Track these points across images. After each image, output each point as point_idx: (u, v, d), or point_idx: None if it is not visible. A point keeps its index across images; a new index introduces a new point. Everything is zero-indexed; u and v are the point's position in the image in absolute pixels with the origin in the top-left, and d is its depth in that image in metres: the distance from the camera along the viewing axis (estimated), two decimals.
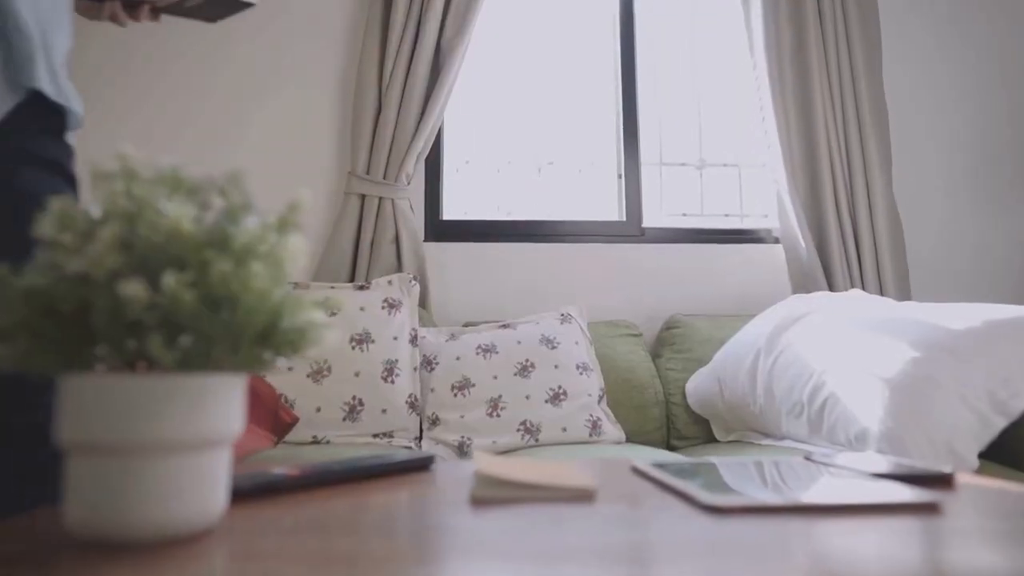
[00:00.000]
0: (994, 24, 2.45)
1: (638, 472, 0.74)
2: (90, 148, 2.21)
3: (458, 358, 1.82)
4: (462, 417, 1.74)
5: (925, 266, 2.28)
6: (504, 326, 1.92)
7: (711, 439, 1.78)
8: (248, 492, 0.55)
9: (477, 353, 1.82)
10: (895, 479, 0.61)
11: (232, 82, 2.23)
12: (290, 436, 1.66)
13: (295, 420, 1.66)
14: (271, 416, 1.63)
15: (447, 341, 1.88)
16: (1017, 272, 2.36)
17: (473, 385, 1.77)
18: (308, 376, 1.71)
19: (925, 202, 2.35)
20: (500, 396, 1.74)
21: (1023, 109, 2.43)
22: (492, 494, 0.58)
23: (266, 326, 0.45)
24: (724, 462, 0.72)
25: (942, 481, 0.61)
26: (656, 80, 2.46)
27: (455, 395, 1.76)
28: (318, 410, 1.69)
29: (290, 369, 1.65)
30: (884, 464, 0.67)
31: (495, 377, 1.77)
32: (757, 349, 1.64)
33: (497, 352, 1.82)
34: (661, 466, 0.74)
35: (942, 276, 2.30)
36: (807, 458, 0.78)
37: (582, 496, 0.57)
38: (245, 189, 0.48)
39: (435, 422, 1.76)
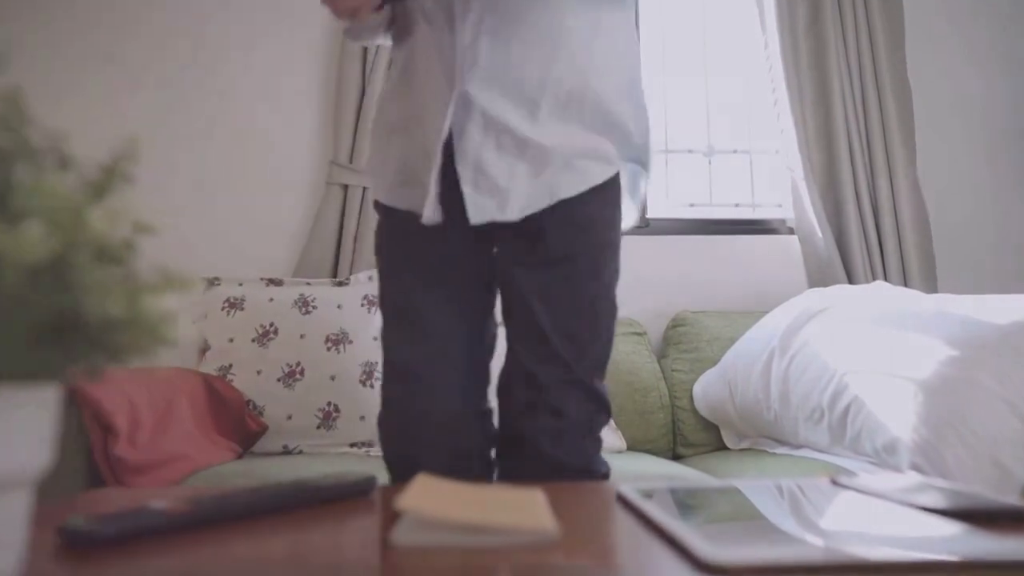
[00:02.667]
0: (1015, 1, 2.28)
1: (624, 503, 0.59)
2: (76, 144, 2.07)
3: None
4: None
5: (953, 255, 2.10)
6: (497, 325, 1.77)
7: (721, 447, 1.63)
8: (107, 539, 0.43)
9: None
10: (956, 516, 0.46)
11: (204, 62, 2.10)
12: (258, 446, 1.53)
13: (263, 429, 1.53)
14: (237, 424, 1.49)
15: None
16: None
17: None
18: (279, 380, 1.57)
19: (952, 185, 2.17)
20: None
21: None
22: (417, 539, 0.44)
23: (57, 316, 0.31)
24: (736, 488, 0.56)
25: (1018, 519, 0.46)
26: (661, 60, 2.30)
27: None
28: (289, 417, 1.55)
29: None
30: (935, 494, 0.52)
31: None
32: (771, 348, 1.48)
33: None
34: (653, 494, 0.59)
35: (971, 266, 2.13)
36: (835, 482, 0.63)
37: (538, 542, 0.43)
38: (26, 118, 0.34)
39: None
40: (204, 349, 1.64)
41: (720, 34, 2.33)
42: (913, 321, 1.24)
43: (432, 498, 0.56)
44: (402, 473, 0.90)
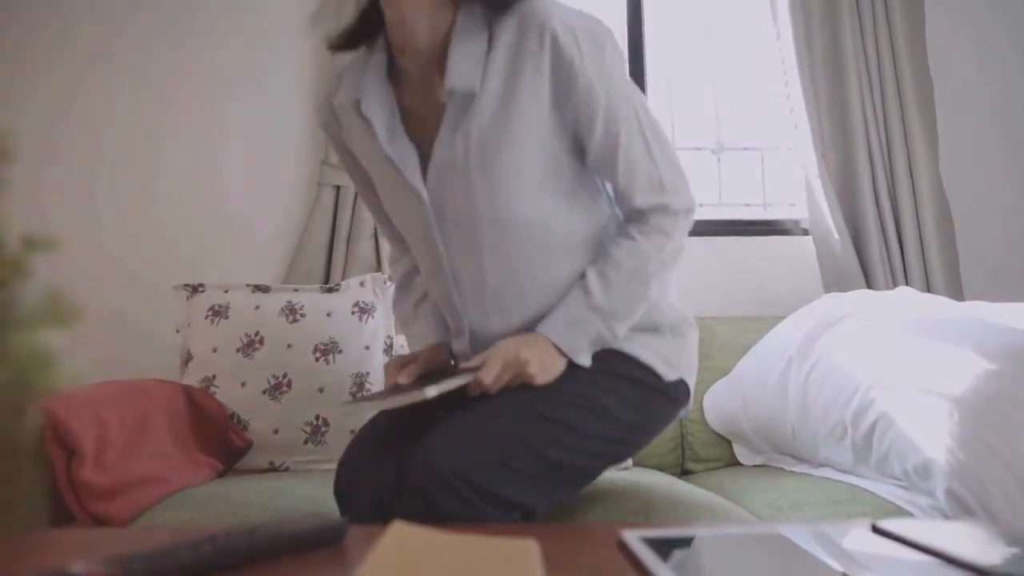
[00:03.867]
0: None
1: (626, 553, 0.50)
2: (63, 146, 2.02)
3: None
4: None
5: (977, 259, 1.99)
6: None
7: (733, 462, 1.53)
8: None
9: None
10: None
11: (189, 59, 2.01)
12: (242, 462, 1.44)
13: (248, 444, 1.44)
14: (219, 439, 1.40)
15: None
16: None
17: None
18: (264, 392, 1.49)
19: (977, 185, 2.06)
20: None
21: None
22: None
23: None
24: (757, 538, 0.47)
25: None
26: (667, 52, 2.20)
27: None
28: (275, 432, 1.46)
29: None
30: (997, 550, 0.43)
31: None
32: (788, 358, 1.39)
33: None
34: (664, 543, 0.49)
35: (998, 270, 2.02)
36: (876, 529, 0.54)
37: None
38: None
39: None
40: (186, 359, 1.55)
41: (730, 24, 2.23)
42: (945, 330, 1.14)
43: (403, 559, 0.47)
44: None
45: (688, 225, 0.96)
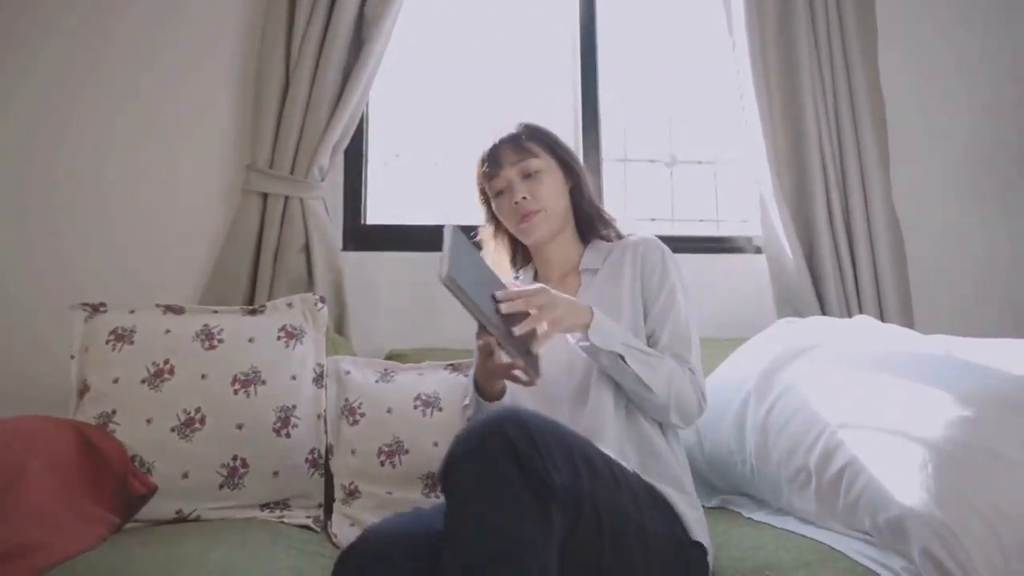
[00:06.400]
0: (1000, 10, 2.18)
1: None
2: None
3: (389, 411, 1.43)
4: (390, 494, 1.37)
5: (926, 282, 1.97)
6: (452, 367, 1.53)
7: None
8: None
9: (415, 406, 1.43)
10: None
11: (101, 55, 1.81)
12: (145, 512, 1.26)
13: (152, 490, 1.26)
14: (117, 486, 1.22)
15: (377, 382, 1.49)
16: None
17: (407, 452, 1.39)
18: (173, 430, 1.32)
19: (925, 208, 2.04)
20: None
21: None
22: None
23: None
24: None
25: None
26: (621, 62, 2.11)
27: (383, 463, 1.39)
28: (185, 476, 1.30)
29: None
30: None
31: (435, 444, 1.39)
32: (746, 392, 1.31)
33: (441, 408, 1.43)
34: None
35: (945, 294, 2.00)
36: None
37: None
38: None
39: (353, 494, 1.38)
40: (81, 391, 1.36)
41: (685, 34, 2.16)
42: (917, 368, 1.08)
43: None
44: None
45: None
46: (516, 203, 1.20)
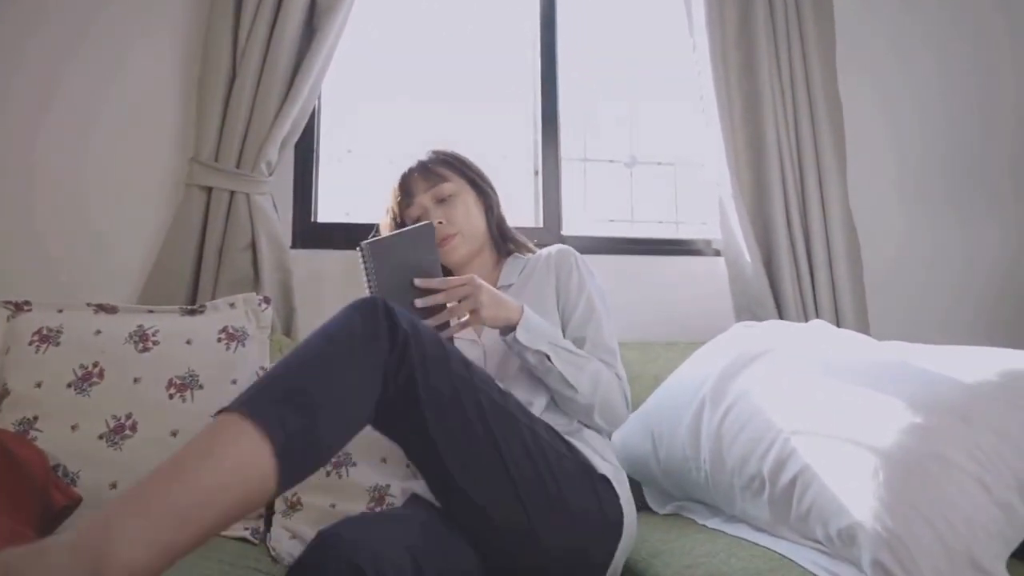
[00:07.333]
0: (954, 21, 2.21)
1: None
2: None
3: None
4: (333, 506, 1.31)
5: (880, 287, 1.99)
6: None
7: (644, 507, 1.41)
8: None
9: None
10: None
11: (45, 34, 1.71)
12: (68, 525, 1.18)
13: (75, 502, 1.18)
14: (37, 498, 1.14)
15: None
16: (983, 295, 2.11)
17: (354, 464, 1.33)
18: (101, 437, 1.24)
19: (879, 212, 2.07)
20: (388, 486, 1.32)
21: (989, 110, 2.20)
22: None
23: None
24: None
25: None
26: (581, 61, 2.08)
27: (328, 473, 1.32)
28: (113, 486, 1.22)
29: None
30: None
31: (384, 460, 1.34)
32: (701, 398, 1.28)
33: None
34: None
35: (898, 297, 2.02)
36: None
37: None
38: None
39: (295, 507, 1.32)
40: (1, 395, 1.27)
41: (645, 33, 2.14)
42: (870, 374, 1.06)
43: None
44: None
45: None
46: None
